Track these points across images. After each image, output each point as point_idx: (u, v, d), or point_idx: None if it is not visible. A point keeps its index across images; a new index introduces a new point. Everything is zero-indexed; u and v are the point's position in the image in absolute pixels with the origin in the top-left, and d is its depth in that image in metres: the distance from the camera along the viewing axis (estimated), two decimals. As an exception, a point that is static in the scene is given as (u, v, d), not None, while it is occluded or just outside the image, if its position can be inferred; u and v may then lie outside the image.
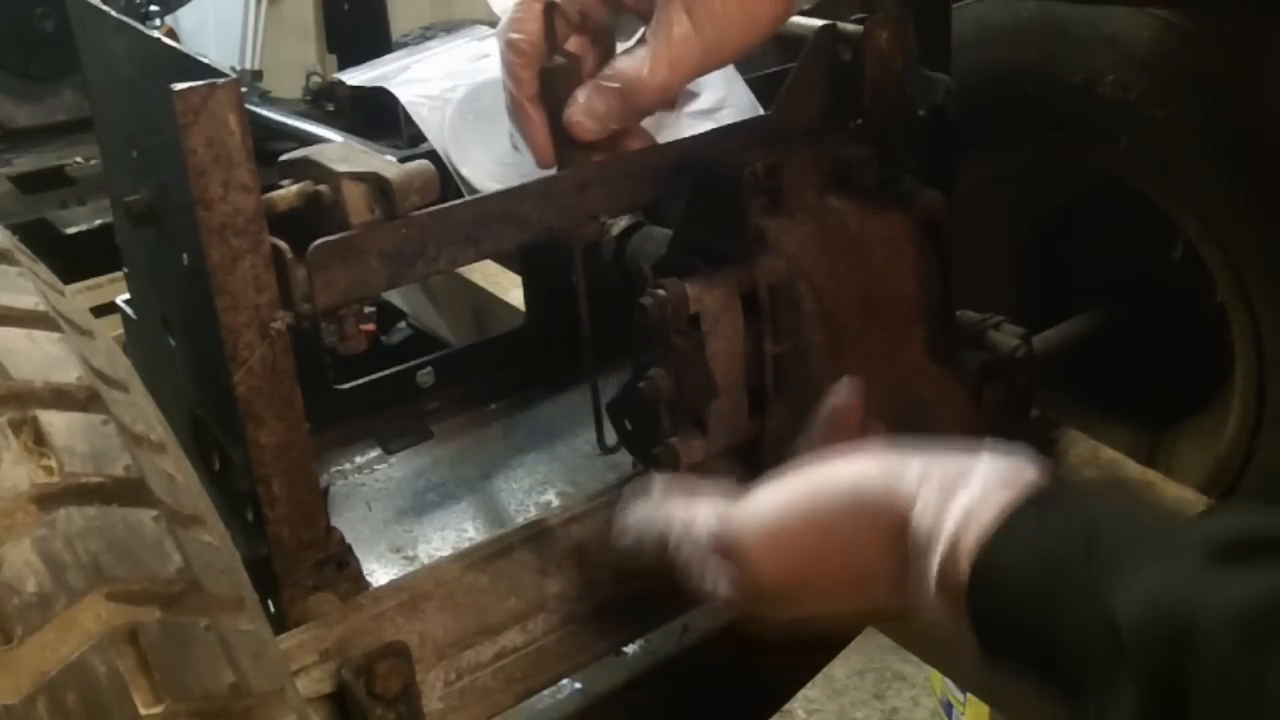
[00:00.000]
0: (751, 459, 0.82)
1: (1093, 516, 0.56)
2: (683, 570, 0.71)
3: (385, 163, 0.73)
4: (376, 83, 0.97)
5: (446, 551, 0.95)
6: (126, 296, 1.00)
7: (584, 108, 0.80)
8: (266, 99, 1.97)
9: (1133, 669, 0.50)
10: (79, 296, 1.41)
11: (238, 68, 2.45)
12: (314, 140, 1.09)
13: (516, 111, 0.82)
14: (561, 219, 0.82)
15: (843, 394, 0.75)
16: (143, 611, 0.45)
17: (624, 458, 0.86)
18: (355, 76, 1.03)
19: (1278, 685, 0.45)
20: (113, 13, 0.80)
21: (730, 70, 1.01)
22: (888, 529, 0.62)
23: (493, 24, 1.04)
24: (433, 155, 0.86)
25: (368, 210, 0.71)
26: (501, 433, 1.12)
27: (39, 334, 0.51)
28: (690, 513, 0.71)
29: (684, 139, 0.87)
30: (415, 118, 0.90)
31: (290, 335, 0.71)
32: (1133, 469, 1.04)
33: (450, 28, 1.93)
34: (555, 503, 1.01)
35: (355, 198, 0.71)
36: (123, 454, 0.48)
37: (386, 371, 1.12)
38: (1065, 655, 0.54)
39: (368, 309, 0.75)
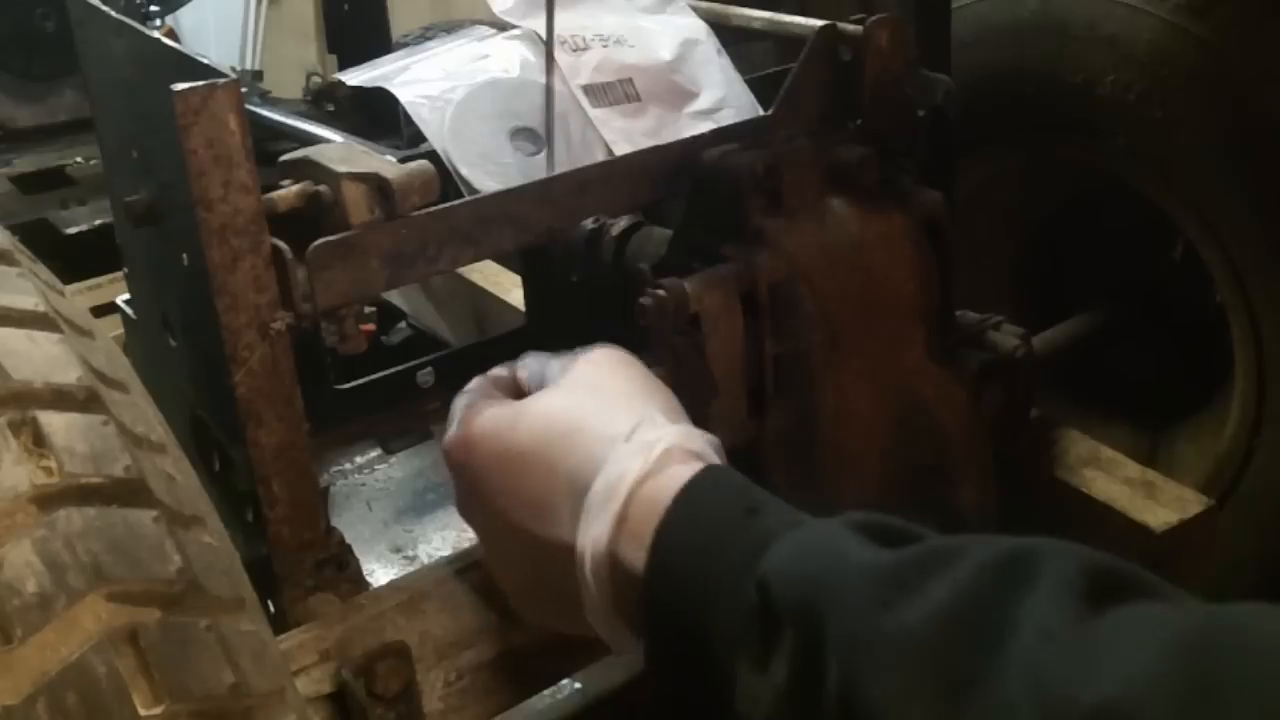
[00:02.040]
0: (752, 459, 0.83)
1: (755, 495, 0.58)
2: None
3: (385, 163, 0.73)
4: (377, 83, 0.97)
5: (447, 551, 0.95)
6: (126, 297, 1.00)
7: None
8: (267, 99, 1.97)
9: (781, 631, 0.51)
10: (79, 297, 1.42)
11: (238, 68, 2.45)
12: (314, 140, 1.08)
13: None
14: (561, 219, 0.82)
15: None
16: (143, 612, 0.45)
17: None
18: (355, 77, 1.03)
19: (896, 628, 0.47)
20: (113, 13, 0.80)
21: (730, 70, 1.01)
22: (574, 472, 0.62)
23: (493, 24, 1.04)
24: (433, 155, 0.86)
25: (368, 210, 0.71)
26: (501, 433, 1.11)
27: (39, 334, 0.51)
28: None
29: (684, 139, 0.87)
30: (415, 118, 0.90)
31: (290, 335, 0.71)
32: (1133, 469, 1.04)
33: (450, 28, 1.93)
34: (555, 503, 1.01)
35: (355, 198, 0.71)
36: (123, 454, 0.48)
37: (386, 371, 1.12)
38: (720, 634, 0.54)
39: (368, 309, 0.76)
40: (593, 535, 0.60)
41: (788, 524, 0.55)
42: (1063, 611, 0.44)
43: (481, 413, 0.68)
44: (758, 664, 0.52)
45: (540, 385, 0.70)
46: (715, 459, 0.62)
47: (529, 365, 0.73)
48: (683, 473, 0.59)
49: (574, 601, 0.62)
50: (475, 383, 0.73)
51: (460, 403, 0.71)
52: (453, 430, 0.69)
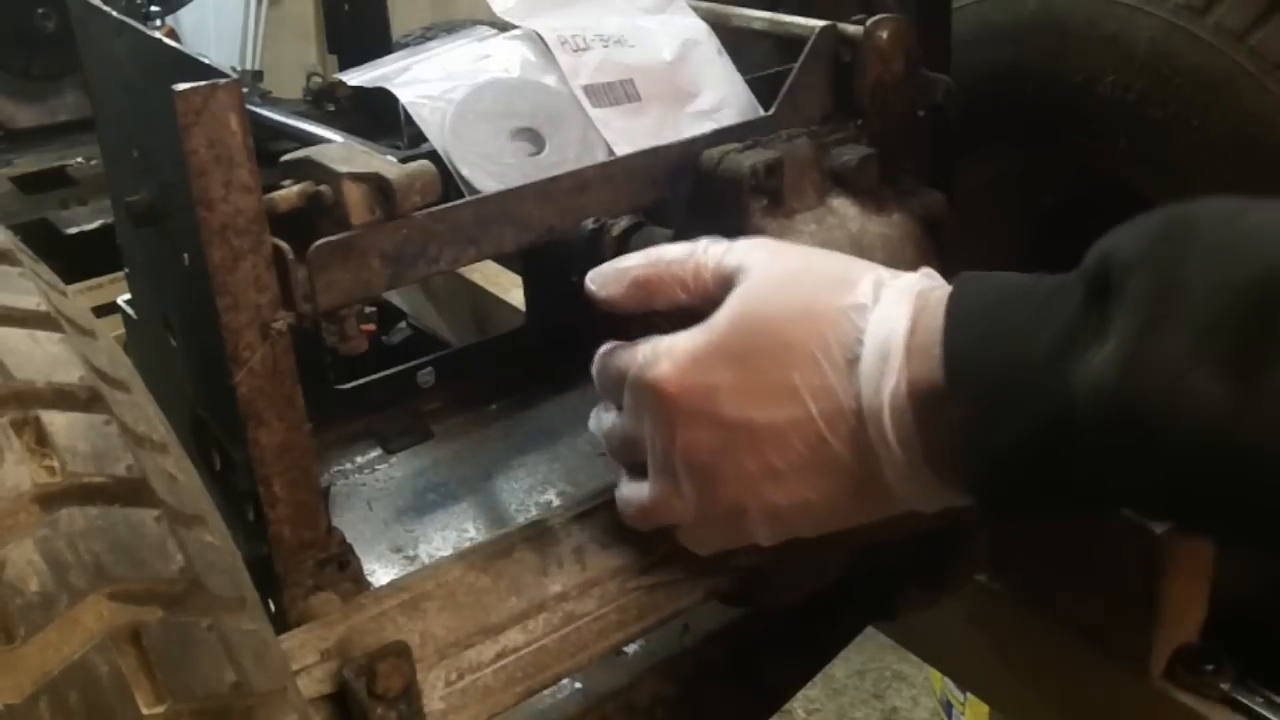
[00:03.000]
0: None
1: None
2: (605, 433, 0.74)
3: (386, 163, 0.73)
4: (377, 83, 0.97)
5: (447, 551, 0.95)
6: (127, 296, 1.00)
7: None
8: (267, 99, 1.97)
9: (1119, 294, 0.53)
10: (80, 296, 1.41)
11: (238, 68, 2.46)
12: (315, 140, 1.08)
13: None
14: (562, 219, 0.82)
15: None
16: (145, 611, 0.45)
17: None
18: (356, 77, 1.03)
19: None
20: (113, 13, 0.80)
21: (731, 70, 1.01)
22: (835, 339, 0.63)
23: (493, 24, 1.04)
24: (433, 155, 0.86)
25: (369, 210, 0.71)
26: (502, 433, 1.12)
27: (41, 334, 0.51)
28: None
29: (684, 139, 0.87)
30: (416, 118, 0.90)
31: (291, 335, 0.71)
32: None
33: (450, 28, 1.93)
34: (556, 503, 1.01)
35: (356, 198, 0.71)
36: (125, 454, 0.48)
37: (387, 371, 1.12)
38: (1050, 343, 0.56)
39: (368, 309, 0.76)
40: (887, 388, 0.61)
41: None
42: None
43: (682, 341, 0.68)
44: (1097, 335, 0.53)
45: (721, 282, 0.69)
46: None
47: (696, 256, 0.72)
48: (941, 293, 0.62)
49: (855, 483, 0.64)
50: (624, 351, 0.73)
51: (628, 355, 0.71)
52: (662, 367, 0.68)
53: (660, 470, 0.71)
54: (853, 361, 0.63)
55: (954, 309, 0.61)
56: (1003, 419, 0.57)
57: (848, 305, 0.64)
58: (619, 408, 0.75)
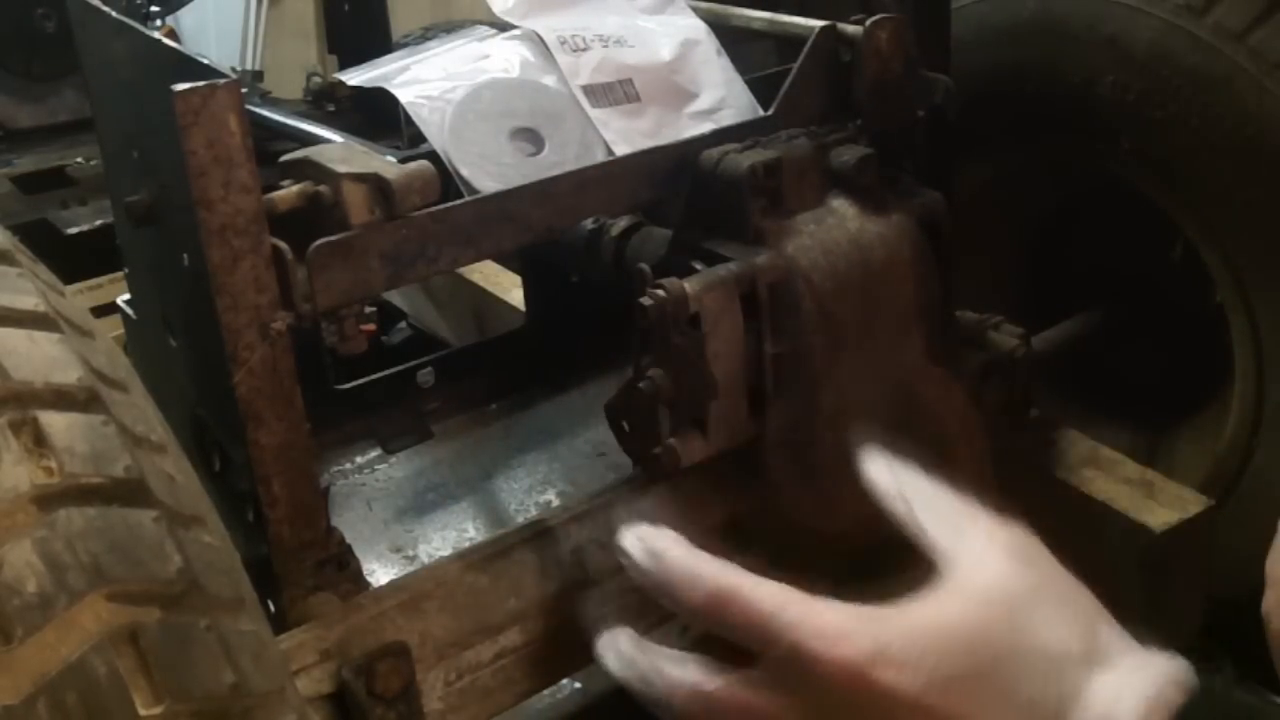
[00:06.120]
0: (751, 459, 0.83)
1: None
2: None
3: (385, 163, 0.73)
4: (377, 83, 0.97)
5: (447, 551, 0.95)
6: (127, 297, 1.00)
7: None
8: (267, 99, 1.97)
9: None
10: (79, 297, 1.42)
11: (238, 68, 2.45)
12: (314, 141, 1.08)
13: None
14: (561, 219, 0.82)
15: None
16: (143, 612, 0.45)
17: (625, 458, 0.86)
18: (355, 77, 1.03)
19: None
20: (113, 13, 0.80)
21: (730, 70, 1.01)
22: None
23: (493, 24, 1.04)
24: (433, 155, 0.86)
25: (368, 211, 0.71)
26: (501, 433, 1.12)
27: (39, 335, 0.51)
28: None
29: (684, 139, 0.87)
30: (415, 118, 0.90)
31: (291, 335, 0.71)
32: (1132, 469, 1.04)
33: (450, 28, 1.93)
34: (555, 503, 1.01)
35: (356, 198, 0.71)
36: (123, 455, 0.48)
37: (387, 371, 1.12)
38: None
39: (368, 309, 0.76)
40: None
41: None
42: None
43: (899, 626, 0.56)
44: None
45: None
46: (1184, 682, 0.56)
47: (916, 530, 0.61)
48: (1174, 697, 0.54)
49: None
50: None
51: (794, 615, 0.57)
52: (853, 648, 0.55)
53: None
54: None
55: None
56: None
57: (1064, 652, 0.56)
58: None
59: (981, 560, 0.59)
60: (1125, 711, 0.53)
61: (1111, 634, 0.58)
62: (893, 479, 0.64)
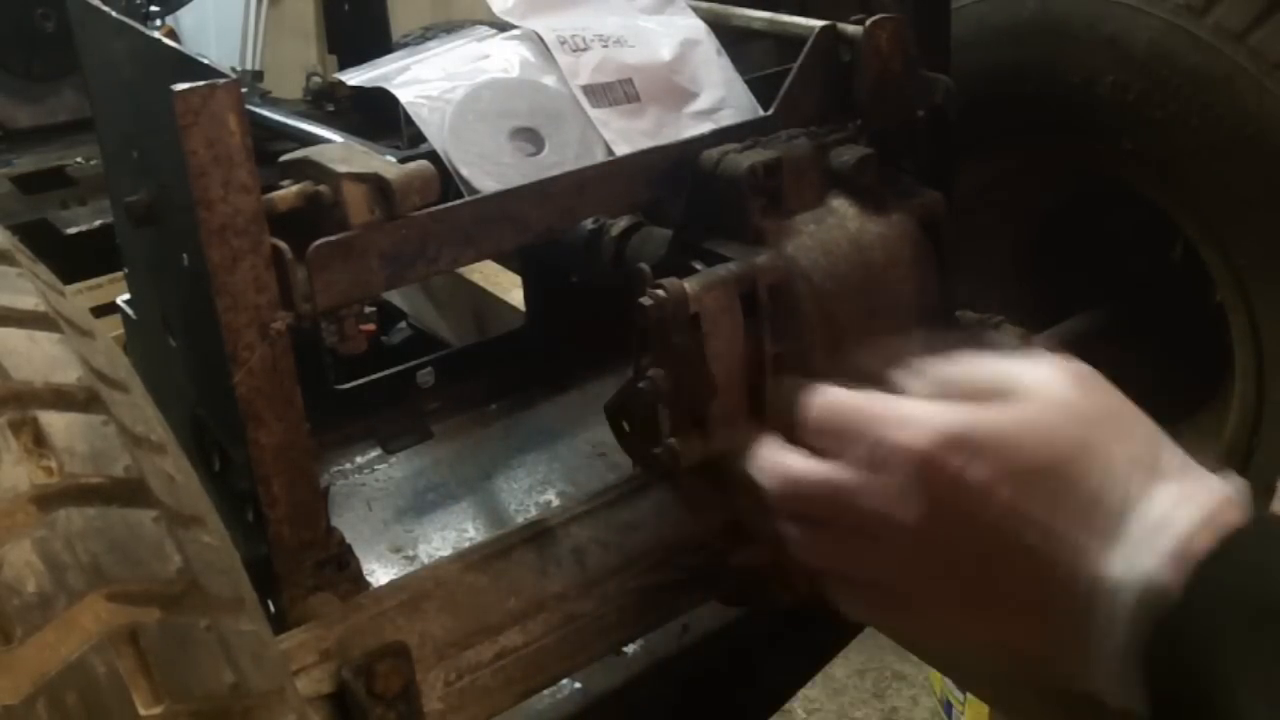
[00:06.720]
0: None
1: None
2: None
3: (385, 163, 0.73)
4: (377, 83, 0.97)
5: (447, 551, 0.95)
6: (127, 297, 1.00)
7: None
8: (267, 99, 1.97)
9: None
10: (79, 297, 1.42)
11: (238, 68, 2.45)
12: (314, 140, 1.09)
13: None
14: (561, 219, 0.82)
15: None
16: (143, 612, 0.45)
17: (625, 458, 0.87)
18: (355, 77, 1.03)
19: None
20: (113, 13, 0.80)
21: (730, 70, 1.01)
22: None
23: (493, 24, 1.04)
24: (433, 155, 0.86)
25: (368, 210, 0.71)
26: (501, 433, 1.12)
27: (39, 334, 0.51)
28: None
29: (684, 139, 0.87)
30: (415, 118, 0.90)
31: (290, 335, 0.71)
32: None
33: (450, 28, 1.93)
34: (555, 503, 1.01)
35: (355, 198, 0.71)
36: (123, 454, 0.48)
37: (387, 371, 1.12)
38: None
39: (368, 309, 0.76)
40: (1137, 567, 0.55)
41: None
42: None
43: (976, 417, 0.59)
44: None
45: (999, 389, 0.62)
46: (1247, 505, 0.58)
47: (972, 368, 0.65)
48: (1232, 516, 0.56)
49: (1062, 635, 0.58)
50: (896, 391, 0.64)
51: (909, 407, 0.62)
52: (929, 434, 0.59)
53: (870, 533, 0.62)
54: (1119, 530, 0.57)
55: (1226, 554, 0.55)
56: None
57: (1131, 457, 0.59)
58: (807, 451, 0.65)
59: (1050, 380, 0.62)
60: (1183, 518, 0.56)
61: (1175, 452, 0.61)
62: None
